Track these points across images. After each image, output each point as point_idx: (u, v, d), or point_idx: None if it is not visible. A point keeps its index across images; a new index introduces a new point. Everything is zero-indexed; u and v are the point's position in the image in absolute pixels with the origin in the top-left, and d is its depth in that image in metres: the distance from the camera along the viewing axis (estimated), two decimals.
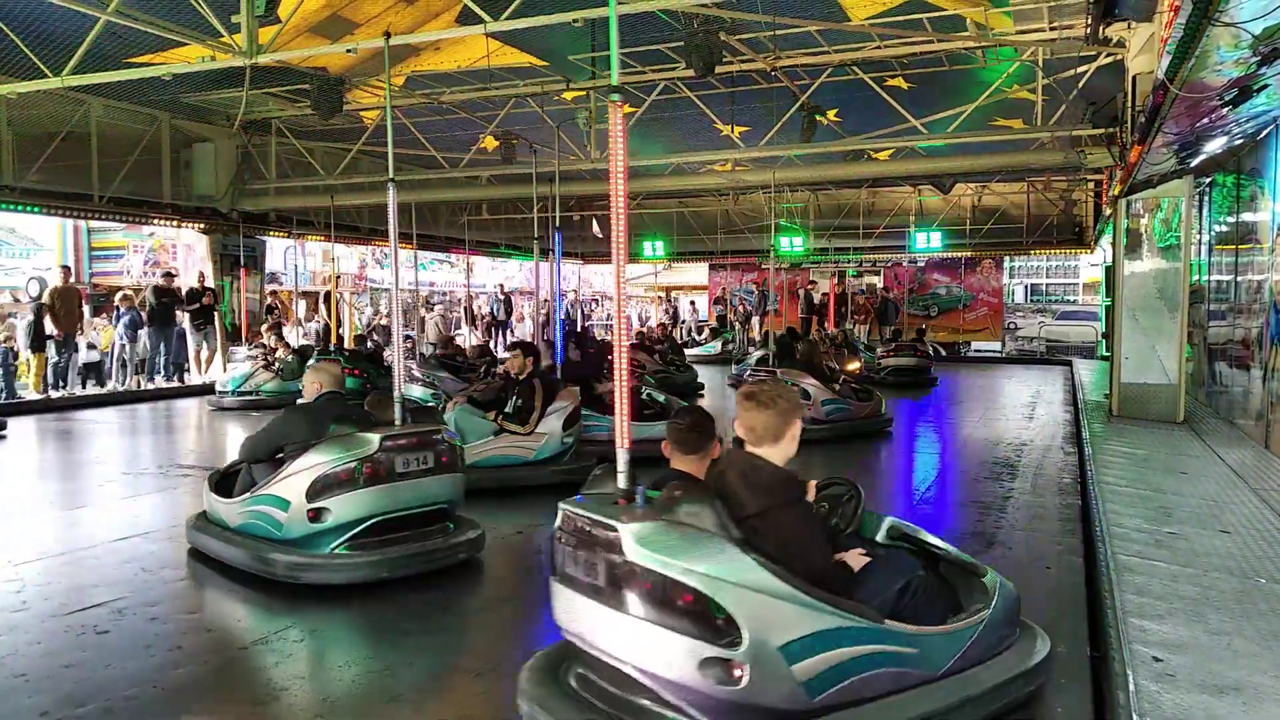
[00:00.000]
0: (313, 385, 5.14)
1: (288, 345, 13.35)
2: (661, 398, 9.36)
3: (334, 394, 5.12)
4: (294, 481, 4.63)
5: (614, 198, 3.17)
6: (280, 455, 4.82)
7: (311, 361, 7.11)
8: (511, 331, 24.36)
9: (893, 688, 2.80)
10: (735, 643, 2.52)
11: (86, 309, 15.20)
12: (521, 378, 7.40)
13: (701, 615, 2.55)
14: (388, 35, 6.23)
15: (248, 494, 4.85)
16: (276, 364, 12.67)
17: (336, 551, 4.61)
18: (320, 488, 4.57)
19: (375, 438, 4.72)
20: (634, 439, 3.01)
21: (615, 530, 2.68)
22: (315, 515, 4.57)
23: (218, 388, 12.75)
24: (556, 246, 10.59)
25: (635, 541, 2.63)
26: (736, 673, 2.53)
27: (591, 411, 7.89)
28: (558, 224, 10.31)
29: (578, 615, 2.83)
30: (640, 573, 2.62)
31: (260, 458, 4.92)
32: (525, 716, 2.91)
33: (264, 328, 14.52)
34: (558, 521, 2.97)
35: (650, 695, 2.65)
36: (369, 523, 4.64)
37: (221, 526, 5.03)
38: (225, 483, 5.25)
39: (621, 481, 2.93)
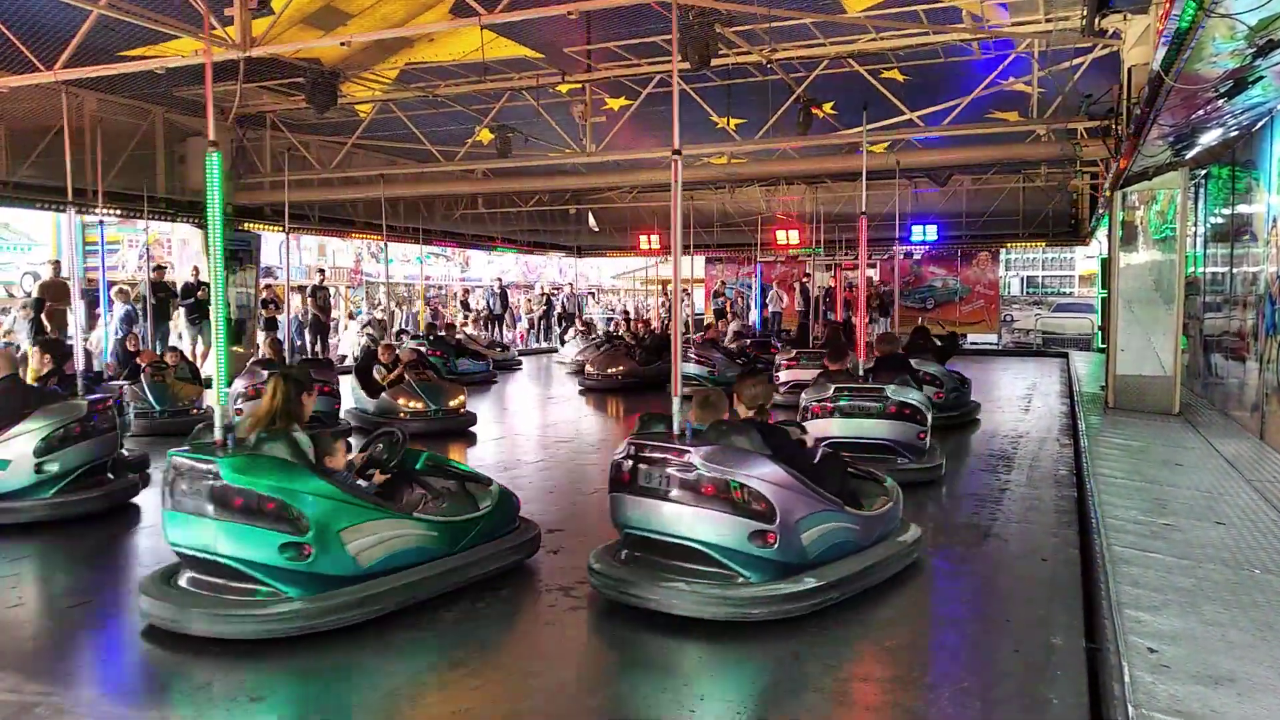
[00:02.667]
0: None
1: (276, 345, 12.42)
2: None
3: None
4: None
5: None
6: None
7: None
8: (509, 327, 24.36)
9: (850, 552, 4.42)
10: (771, 520, 3.99)
11: (81, 305, 15.12)
12: None
13: (749, 504, 4.02)
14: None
15: None
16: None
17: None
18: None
19: None
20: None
21: (689, 452, 4.08)
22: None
23: None
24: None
25: (703, 459, 4.06)
26: (771, 539, 4.00)
27: None
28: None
29: (648, 512, 4.18)
30: (707, 479, 4.04)
31: None
32: (598, 584, 4.27)
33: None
34: (624, 452, 4.29)
35: (700, 559, 4.07)
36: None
37: None
38: None
39: (675, 423, 4.29)
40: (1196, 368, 11.35)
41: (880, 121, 12.12)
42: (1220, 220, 10.23)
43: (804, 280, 24.99)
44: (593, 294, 35.74)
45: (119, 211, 14.77)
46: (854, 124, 12.73)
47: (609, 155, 13.56)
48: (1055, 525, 5.78)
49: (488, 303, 23.58)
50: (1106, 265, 13.47)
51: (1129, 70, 8.31)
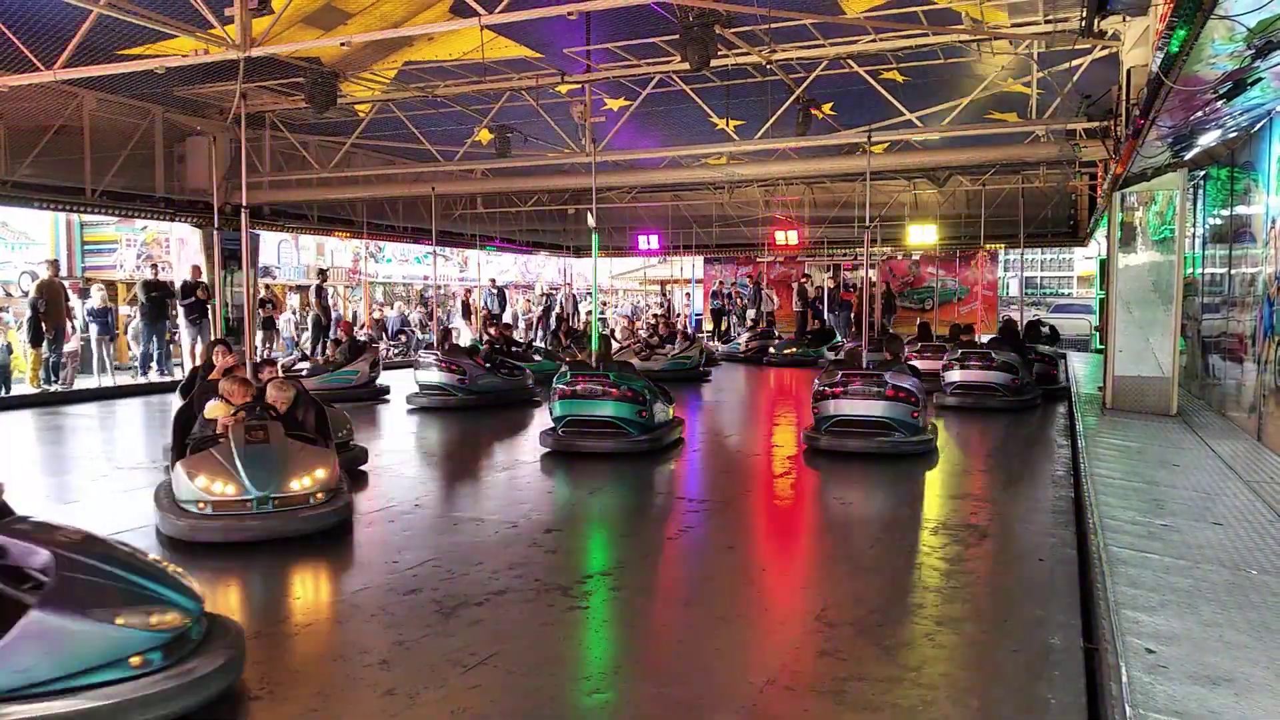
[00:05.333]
0: None
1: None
2: None
3: None
4: None
5: None
6: None
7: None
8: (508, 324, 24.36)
9: None
10: (920, 405, 8.22)
11: (78, 303, 15.14)
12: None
13: (910, 397, 8.26)
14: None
15: None
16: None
17: None
18: None
19: None
20: None
21: (882, 373, 8.36)
22: None
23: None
24: None
25: (889, 375, 8.29)
26: (917, 415, 8.23)
27: None
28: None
29: (855, 404, 8.37)
30: (892, 385, 8.26)
31: None
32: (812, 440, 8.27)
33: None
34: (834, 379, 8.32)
35: (881, 426, 8.26)
36: None
37: None
38: None
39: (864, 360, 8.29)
40: (1194, 369, 11.36)
41: (879, 122, 12.14)
42: (1219, 221, 10.24)
43: (802, 281, 25.02)
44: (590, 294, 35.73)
45: (118, 210, 14.76)
46: (853, 125, 12.76)
47: (608, 155, 13.57)
48: (1053, 525, 5.79)
49: (486, 303, 23.58)
50: (1105, 266, 13.48)
51: (1128, 71, 8.32)
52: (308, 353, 16.54)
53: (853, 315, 22.38)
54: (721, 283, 27.34)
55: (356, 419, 8.48)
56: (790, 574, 5.25)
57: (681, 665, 3.79)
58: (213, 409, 5.95)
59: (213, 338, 14.86)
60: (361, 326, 21.01)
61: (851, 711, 3.32)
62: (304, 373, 12.31)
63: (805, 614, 4.30)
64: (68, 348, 13.22)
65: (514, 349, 15.15)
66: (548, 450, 8.46)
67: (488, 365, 12.41)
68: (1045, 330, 15.67)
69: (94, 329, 14.30)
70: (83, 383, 13.67)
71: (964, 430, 10.21)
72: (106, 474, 7.94)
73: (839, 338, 20.15)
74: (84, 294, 14.57)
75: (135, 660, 3.00)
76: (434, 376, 11.85)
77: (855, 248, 22.63)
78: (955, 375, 11.79)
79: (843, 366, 8.82)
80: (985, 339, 15.24)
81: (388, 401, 12.84)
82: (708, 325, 25.46)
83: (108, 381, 13.88)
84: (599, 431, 8.34)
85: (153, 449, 8.99)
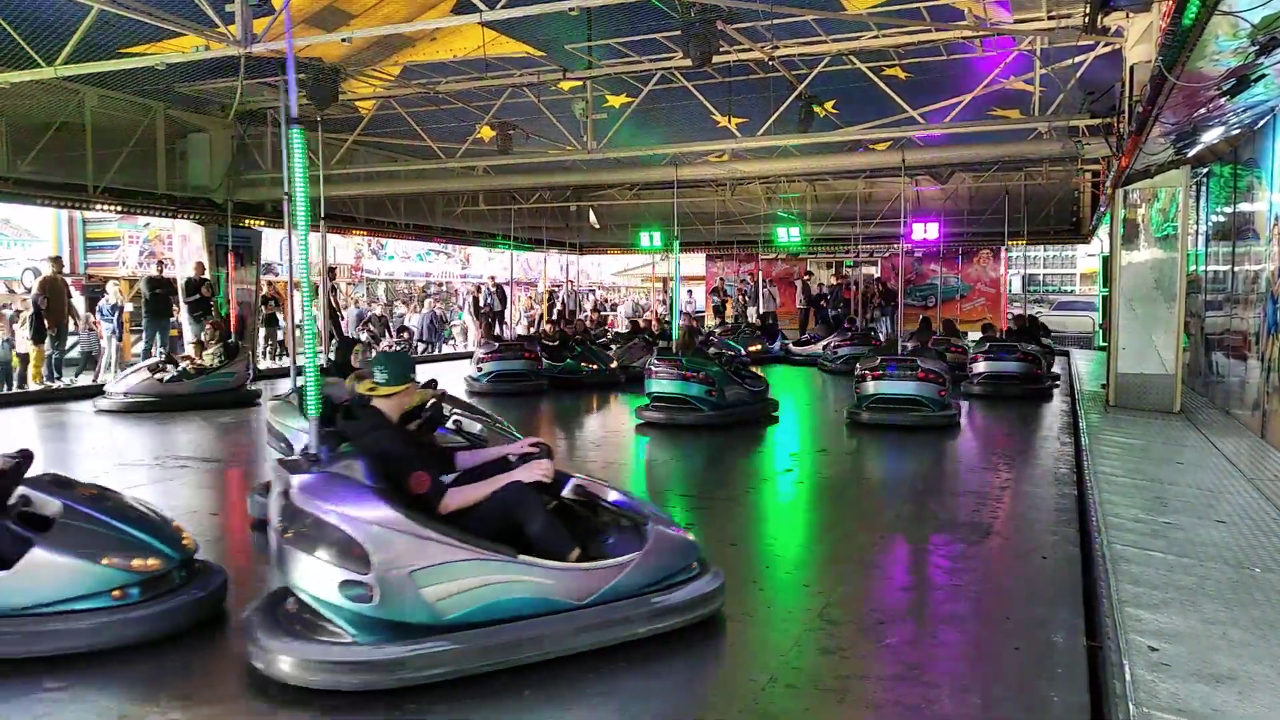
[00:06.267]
0: None
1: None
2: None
3: None
4: None
5: None
6: None
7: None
8: (506, 324, 24.35)
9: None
10: (946, 385, 9.42)
11: (81, 300, 15.16)
12: None
13: (938, 378, 9.76)
14: None
15: None
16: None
17: None
18: None
19: None
20: None
21: (915, 358, 9.78)
22: None
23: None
24: None
25: (920, 359, 9.85)
26: (944, 393, 9.50)
27: None
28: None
29: (891, 384, 9.49)
30: (923, 368, 9.72)
31: None
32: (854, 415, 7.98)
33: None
34: (874, 363, 8.75)
35: (913, 403, 8.85)
36: None
37: None
38: None
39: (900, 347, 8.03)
40: (1197, 366, 11.34)
41: (882, 119, 12.12)
42: (1222, 218, 10.22)
43: (804, 278, 24.98)
44: (593, 290, 35.73)
45: (120, 207, 14.77)
46: (855, 122, 12.74)
47: (610, 153, 13.55)
48: (1056, 523, 5.78)
49: (487, 300, 23.58)
50: (1108, 263, 13.47)
51: (1131, 68, 8.29)
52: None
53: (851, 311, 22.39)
54: (722, 279, 27.33)
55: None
56: (792, 571, 5.25)
57: (682, 663, 3.79)
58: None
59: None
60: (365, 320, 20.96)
61: (854, 709, 3.32)
62: (167, 377, 11.48)
63: (807, 611, 4.29)
64: (78, 344, 13.18)
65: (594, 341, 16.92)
66: (640, 421, 10.14)
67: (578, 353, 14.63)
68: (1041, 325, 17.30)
69: (106, 326, 14.31)
70: (84, 380, 13.68)
71: (972, 424, 10.22)
72: (108, 470, 7.93)
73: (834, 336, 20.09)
74: (98, 291, 14.52)
75: (116, 593, 3.72)
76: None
77: (858, 245, 22.58)
78: (981, 366, 12.82)
79: (881, 353, 10.63)
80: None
81: (258, 406, 11.73)
82: (710, 321, 25.45)
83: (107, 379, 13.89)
84: (677, 407, 10.01)
85: (154, 447, 8.99)
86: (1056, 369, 14.49)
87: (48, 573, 3.64)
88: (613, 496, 4.12)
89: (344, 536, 3.26)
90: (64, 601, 3.63)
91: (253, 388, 12.36)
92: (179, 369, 11.75)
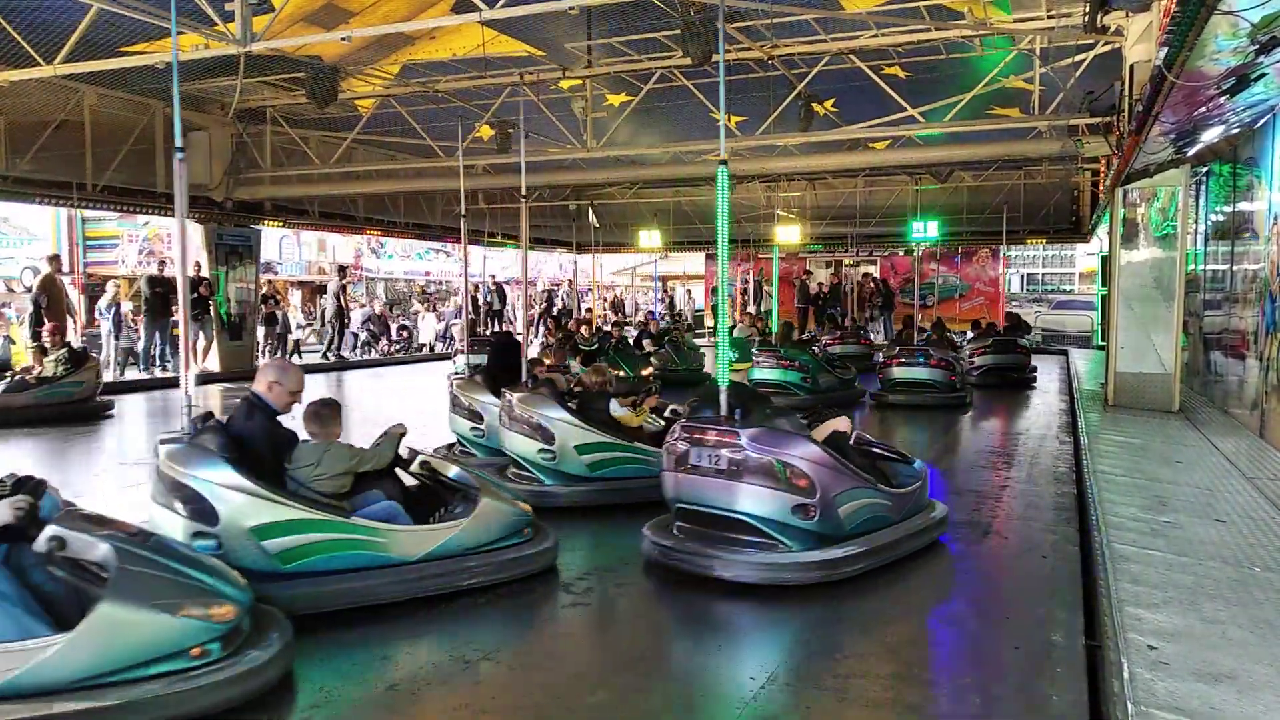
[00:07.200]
0: None
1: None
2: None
3: None
4: None
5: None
6: None
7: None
8: (505, 321, 24.35)
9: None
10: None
11: (81, 299, 15.16)
12: None
13: (948, 365, 11.42)
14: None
15: None
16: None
17: None
18: None
19: None
20: None
21: (929, 348, 10.81)
22: None
23: None
24: None
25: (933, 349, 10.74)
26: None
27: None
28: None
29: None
30: (936, 357, 11.05)
31: None
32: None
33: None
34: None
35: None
36: None
37: None
38: None
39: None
40: (1196, 365, 11.34)
41: (882, 118, 12.11)
42: (1221, 218, 10.22)
43: (803, 277, 24.97)
44: (589, 290, 35.73)
45: (119, 205, 14.76)
46: (855, 120, 12.73)
47: (610, 151, 13.53)
48: (1055, 522, 5.78)
49: (486, 299, 23.59)
50: (1107, 262, 13.48)
51: (1131, 67, 8.29)
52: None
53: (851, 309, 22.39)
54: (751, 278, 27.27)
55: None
56: None
57: (682, 662, 3.79)
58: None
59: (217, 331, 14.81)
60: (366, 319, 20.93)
61: (853, 708, 3.32)
62: (2, 387, 10.29)
63: (807, 610, 4.29)
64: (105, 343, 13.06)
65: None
66: None
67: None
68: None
69: (106, 325, 14.33)
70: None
71: (973, 420, 10.23)
72: (107, 469, 7.94)
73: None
74: (98, 290, 14.52)
75: (195, 651, 3.11)
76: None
77: (857, 244, 22.58)
78: (980, 360, 14.20)
79: (901, 344, 12.58)
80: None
81: (111, 418, 10.71)
82: (709, 321, 25.48)
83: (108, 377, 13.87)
84: (778, 392, 10.69)
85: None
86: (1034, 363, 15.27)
87: (122, 632, 2.98)
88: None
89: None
90: (137, 666, 2.99)
91: (103, 399, 10.95)
92: (15, 377, 10.46)
